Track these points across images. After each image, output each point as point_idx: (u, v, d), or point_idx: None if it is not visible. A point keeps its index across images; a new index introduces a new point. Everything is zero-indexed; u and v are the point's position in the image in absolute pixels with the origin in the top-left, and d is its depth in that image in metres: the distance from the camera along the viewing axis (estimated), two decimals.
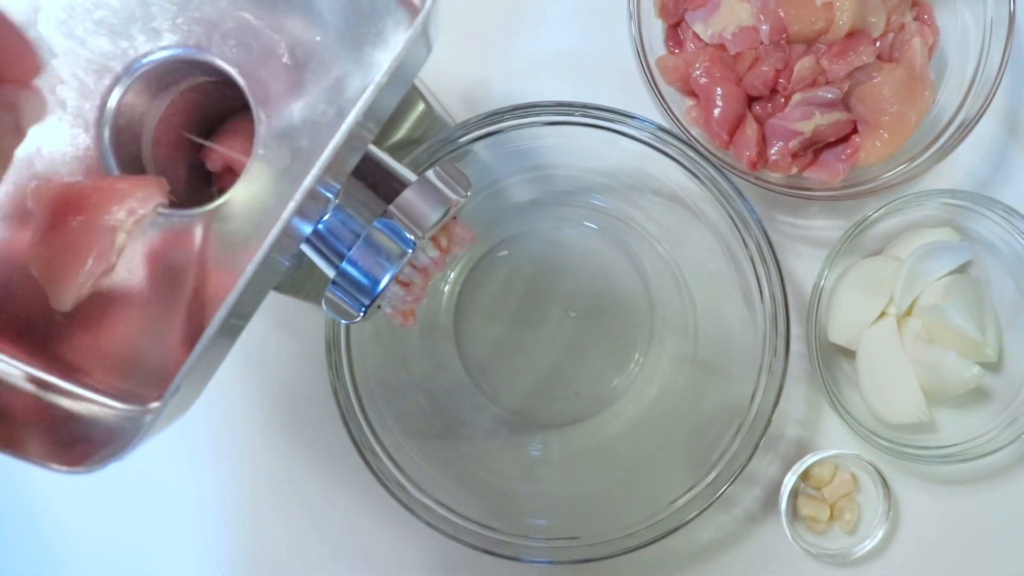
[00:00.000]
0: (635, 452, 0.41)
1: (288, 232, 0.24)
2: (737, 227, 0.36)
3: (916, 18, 0.39)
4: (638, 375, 0.43)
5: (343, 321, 0.33)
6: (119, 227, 0.25)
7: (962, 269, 0.41)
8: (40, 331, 0.26)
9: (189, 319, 0.26)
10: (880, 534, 0.40)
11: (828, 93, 0.37)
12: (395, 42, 0.26)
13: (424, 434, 0.39)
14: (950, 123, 0.38)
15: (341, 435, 0.36)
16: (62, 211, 0.25)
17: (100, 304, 0.26)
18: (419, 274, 0.30)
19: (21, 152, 0.27)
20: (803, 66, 0.37)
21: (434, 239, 0.30)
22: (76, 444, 0.25)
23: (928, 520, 0.41)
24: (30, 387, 0.27)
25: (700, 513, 0.36)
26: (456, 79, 0.43)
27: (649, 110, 0.37)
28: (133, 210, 0.26)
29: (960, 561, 0.41)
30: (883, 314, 0.41)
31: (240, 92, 0.27)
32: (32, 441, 0.25)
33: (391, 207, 0.28)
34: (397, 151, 0.38)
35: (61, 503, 0.44)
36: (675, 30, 0.40)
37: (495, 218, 0.43)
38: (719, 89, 0.38)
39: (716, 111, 0.38)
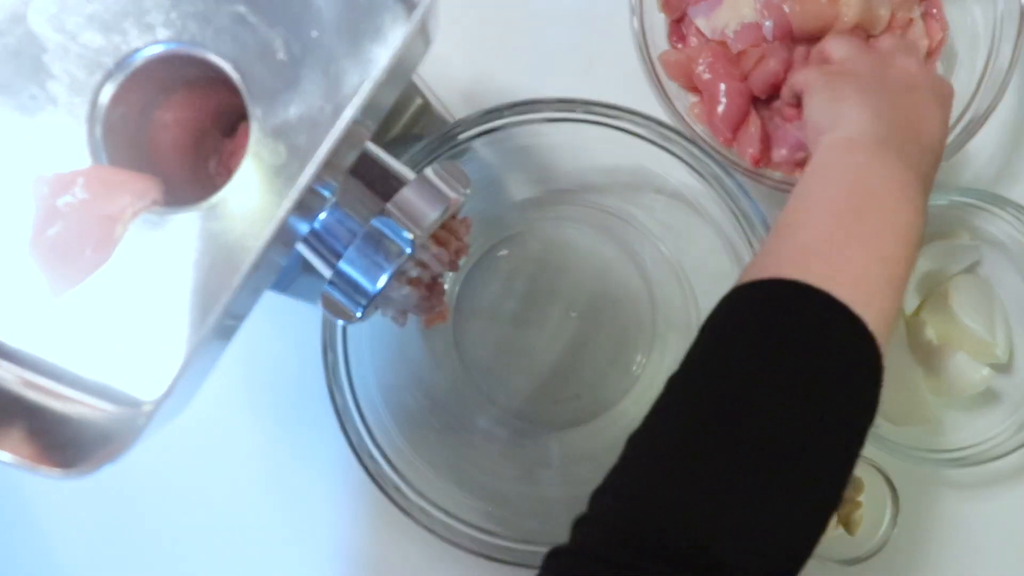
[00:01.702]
0: None
1: (284, 231, 0.24)
2: (741, 226, 0.36)
3: (925, 13, 0.39)
4: (640, 376, 0.42)
5: (340, 321, 0.32)
6: (118, 218, 0.25)
7: (971, 269, 0.40)
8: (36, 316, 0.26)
9: (183, 319, 0.26)
10: (887, 538, 0.39)
11: None
12: (393, 37, 0.26)
13: (422, 436, 0.39)
14: (959, 120, 0.37)
15: (338, 438, 0.36)
16: (60, 198, 0.25)
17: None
18: (426, 273, 0.30)
19: (19, 152, 0.26)
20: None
21: (435, 238, 0.30)
22: (68, 447, 0.25)
23: (935, 524, 0.40)
24: (21, 389, 0.26)
25: None
26: (455, 75, 0.42)
27: (652, 106, 0.37)
28: (131, 202, 0.26)
29: (967, 565, 0.40)
30: None
31: (236, 89, 0.26)
32: (23, 444, 0.25)
33: (389, 205, 0.27)
34: (395, 148, 0.37)
35: (56, 505, 0.44)
36: (678, 25, 0.40)
37: (495, 217, 0.43)
38: (723, 85, 0.38)
39: (720, 108, 0.38)
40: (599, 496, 0.24)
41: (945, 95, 0.32)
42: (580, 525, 0.24)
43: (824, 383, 0.24)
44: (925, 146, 0.29)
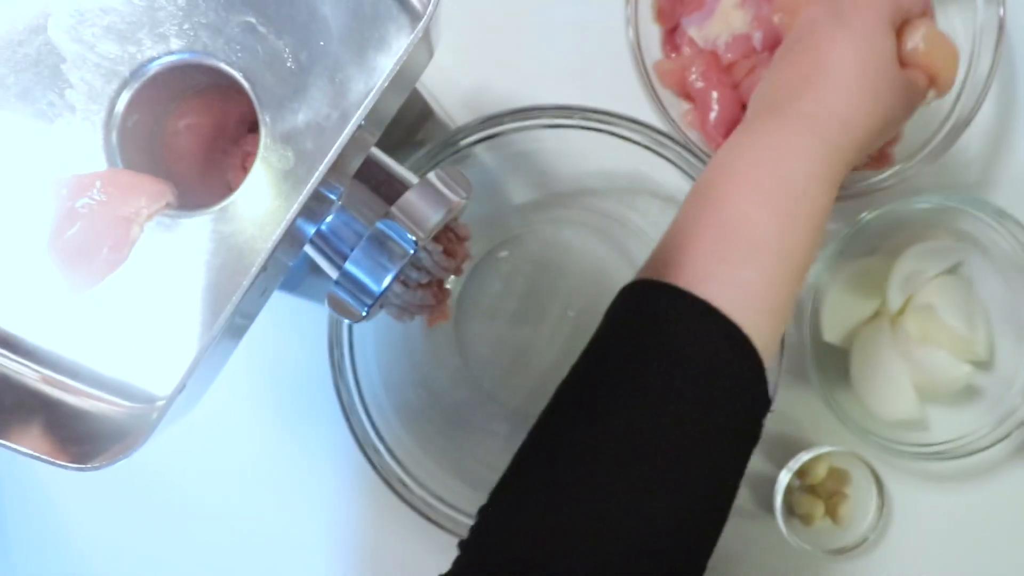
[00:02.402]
0: None
1: (292, 233, 0.25)
2: None
3: None
4: None
5: (346, 320, 0.33)
6: (134, 219, 0.26)
7: (953, 270, 0.41)
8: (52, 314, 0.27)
9: (195, 318, 0.27)
10: (873, 529, 0.40)
11: None
12: (397, 47, 0.27)
13: (425, 432, 0.40)
14: (941, 127, 0.38)
15: (344, 432, 0.37)
16: (78, 200, 0.26)
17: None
18: (427, 275, 0.31)
19: (37, 158, 0.27)
20: None
21: (444, 250, 0.31)
22: (84, 441, 0.26)
23: (920, 515, 0.41)
24: (39, 385, 0.27)
25: None
26: (457, 83, 0.43)
27: (646, 113, 0.38)
28: (146, 204, 0.26)
29: (951, 555, 0.41)
30: (876, 314, 0.41)
31: (246, 96, 0.27)
32: (42, 439, 0.25)
33: (393, 208, 0.28)
34: (399, 153, 0.38)
35: (67, 500, 0.45)
36: (672, 35, 0.41)
37: (496, 219, 0.44)
38: (715, 93, 0.39)
39: (712, 114, 0.39)
40: (478, 513, 0.23)
41: (854, 7, 0.29)
42: (460, 544, 0.23)
43: (671, 372, 0.23)
44: (822, 83, 0.28)
